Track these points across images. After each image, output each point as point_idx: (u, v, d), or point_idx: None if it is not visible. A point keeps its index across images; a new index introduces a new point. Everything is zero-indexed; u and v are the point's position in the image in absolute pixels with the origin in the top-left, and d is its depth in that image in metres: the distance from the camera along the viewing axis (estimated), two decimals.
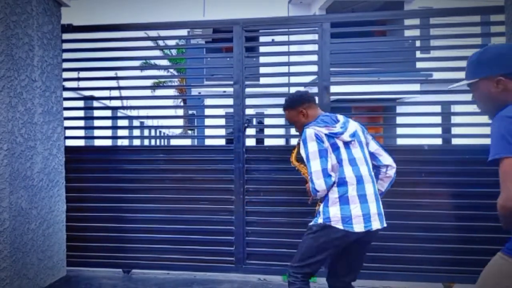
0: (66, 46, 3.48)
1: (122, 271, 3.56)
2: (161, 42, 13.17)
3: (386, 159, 2.25)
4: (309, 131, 2.04)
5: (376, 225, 2.01)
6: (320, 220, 2.03)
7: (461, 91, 3.26)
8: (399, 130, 7.00)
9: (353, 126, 2.15)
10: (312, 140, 2.02)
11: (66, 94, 3.51)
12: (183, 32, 11.75)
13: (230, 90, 3.48)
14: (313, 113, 2.21)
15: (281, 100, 3.01)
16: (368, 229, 1.98)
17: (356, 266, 2.19)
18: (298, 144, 2.22)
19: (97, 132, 4.55)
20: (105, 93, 3.96)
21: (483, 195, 3.14)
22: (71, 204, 3.50)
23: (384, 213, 2.12)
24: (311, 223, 2.12)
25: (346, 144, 2.06)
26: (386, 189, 2.30)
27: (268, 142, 9.67)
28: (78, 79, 4.08)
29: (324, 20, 3.36)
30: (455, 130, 6.34)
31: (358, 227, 1.95)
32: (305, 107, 2.23)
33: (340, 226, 1.96)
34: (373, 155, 2.20)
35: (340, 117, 2.19)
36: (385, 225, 2.08)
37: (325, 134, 2.03)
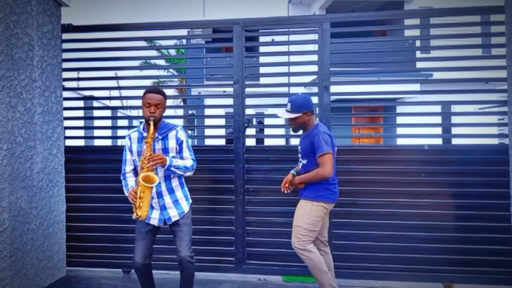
0: (65, 46, 3.48)
1: (122, 271, 3.56)
2: (161, 42, 13.18)
3: None
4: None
5: None
6: (188, 205, 2.61)
7: (461, 91, 3.28)
8: (399, 130, 7.01)
9: None
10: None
11: (66, 94, 3.51)
12: (183, 32, 11.80)
13: (230, 90, 3.48)
14: None
15: (281, 100, 3.01)
16: None
17: None
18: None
19: (97, 132, 4.55)
20: (105, 93, 3.96)
21: (483, 195, 3.14)
22: (71, 204, 3.50)
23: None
24: (184, 213, 2.55)
25: None
26: None
27: (268, 142, 9.68)
28: (78, 79, 4.07)
29: (324, 20, 3.36)
30: (455, 130, 6.37)
31: None
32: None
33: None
34: None
35: None
36: None
37: None
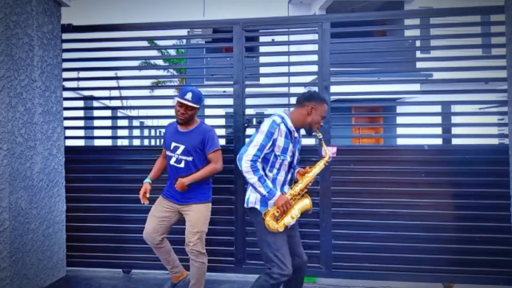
0: (66, 46, 3.48)
1: (122, 271, 3.56)
2: (161, 42, 13.19)
3: None
4: None
5: None
6: None
7: (461, 91, 3.28)
8: (399, 130, 7.02)
9: None
10: None
11: (66, 94, 3.50)
12: (183, 32, 11.80)
13: (230, 90, 3.48)
14: None
15: (281, 100, 2.98)
16: None
17: None
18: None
19: (97, 132, 4.55)
20: (105, 93, 3.96)
21: (483, 195, 3.14)
22: (71, 204, 3.50)
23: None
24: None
25: None
26: None
27: None
28: (78, 79, 4.07)
29: (324, 20, 3.36)
30: (455, 130, 6.36)
31: None
32: None
33: None
34: None
35: None
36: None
37: None
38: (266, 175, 2.32)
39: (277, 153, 2.30)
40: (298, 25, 3.50)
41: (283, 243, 2.27)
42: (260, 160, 2.28)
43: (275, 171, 2.34)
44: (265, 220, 2.27)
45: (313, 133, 2.38)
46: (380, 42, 4.49)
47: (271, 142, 2.28)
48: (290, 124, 2.34)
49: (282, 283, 2.28)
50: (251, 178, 2.24)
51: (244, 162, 2.25)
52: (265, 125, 2.30)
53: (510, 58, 2.91)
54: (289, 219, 2.27)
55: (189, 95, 2.67)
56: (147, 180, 2.92)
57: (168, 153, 2.82)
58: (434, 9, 3.75)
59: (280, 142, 2.29)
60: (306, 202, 2.34)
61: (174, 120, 2.92)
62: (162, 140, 3.02)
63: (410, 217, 3.23)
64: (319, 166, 2.40)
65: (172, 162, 2.80)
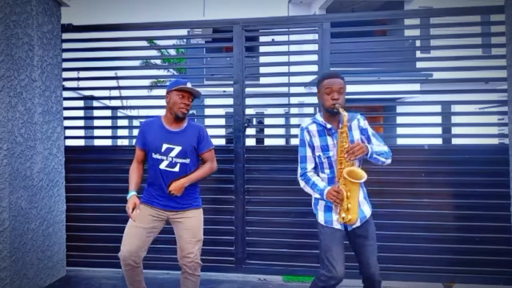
0: (66, 45, 3.48)
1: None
2: (161, 42, 13.19)
3: None
4: None
5: None
6: (370, 209, 2.31)
7: (461, 91, 3.28)
8: (399, 130, 7.02)
9: None
10: None
11: (66, 94, 3.51)
12: (183, 32, 11.78)
13: (230, 90, 3.48)
14: None
15: (281, 100, 2.97)
16: None
17: None
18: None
19: (97, 132, 4.55)
20: (105, 93, 3.96)
21: (482, 195, 3.15)
22: (71, 204, 3.50)
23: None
24: (366, 219, 2.22)
25: None
26: None
27: (268, 142, 9.68)
28: (78, 79, 4.07)
29: (324, 19, 3.36)
30: (455, 130, 6.37)
31: None
32: None
33: None
34: None
35: None
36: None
37: None
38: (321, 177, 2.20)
39: (319, 154, 2.18)
40: (298, 25, 3.50)
41: (333, 243, 2.13)
42: (310, 169, 2.21)
43: (327, 171, 2.18)
44: (346, 220, 2.08)
45: (334, 111, 2.11)
46: (380, 42, 4.49)
47: (309, 148, 2.20)
48: (321, 120, 2.21)
49: (332, 286, 2.13)
50: (307, 189, 2.21)
51: (299, 180, 2.24)
52: (299, 136, 2.28)
53: (510, 58, 2.91)
54: (350, 201, 2.04)
55: (189, 84, 2.41)
56: (134, 193, 2.43)
57: (157, 156, 2.40)
58: (434, 9, 3.75)
59: (316, 142, 2.19)
60: (353, 176, 2.03)
61: (150, 119, 2.57)
62: (139, 143, 2.50)
63: (410, 217, 3.23)
64: (340, 135, 2.09)
65: (163, 166, 2.40)
